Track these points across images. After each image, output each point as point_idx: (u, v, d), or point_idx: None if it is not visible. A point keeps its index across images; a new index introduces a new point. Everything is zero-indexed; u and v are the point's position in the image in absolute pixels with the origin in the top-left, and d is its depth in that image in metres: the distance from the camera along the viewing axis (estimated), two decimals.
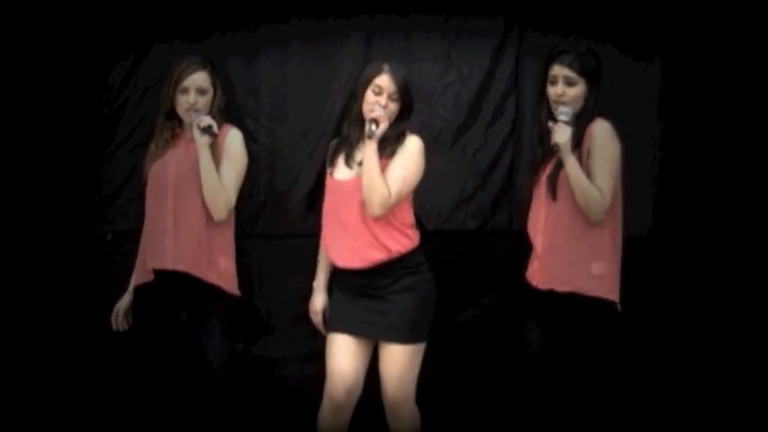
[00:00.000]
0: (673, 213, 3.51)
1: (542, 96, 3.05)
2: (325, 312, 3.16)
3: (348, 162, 3.02)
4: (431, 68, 3.50)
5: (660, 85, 3.51)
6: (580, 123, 2.96)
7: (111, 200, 3.49)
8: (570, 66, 2.95)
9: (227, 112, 3.17)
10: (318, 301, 3.18)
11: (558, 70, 2.97)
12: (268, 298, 3.52)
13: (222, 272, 3.06)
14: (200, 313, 3.02)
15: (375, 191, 2.89)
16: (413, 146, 2.99)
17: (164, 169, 3.04)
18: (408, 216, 3.03)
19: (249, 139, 3.46)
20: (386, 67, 2.99)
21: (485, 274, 3.49)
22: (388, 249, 2.96)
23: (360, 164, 2.97)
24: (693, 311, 3.48)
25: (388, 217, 2.95)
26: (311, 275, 3.41)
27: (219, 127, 3.05)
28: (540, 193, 3.03)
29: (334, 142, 3.16)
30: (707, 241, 3.48)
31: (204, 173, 2.98)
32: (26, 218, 3.43)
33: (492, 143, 3.50)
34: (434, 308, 3.05)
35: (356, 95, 3.03)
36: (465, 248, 3.50)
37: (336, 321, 3.06)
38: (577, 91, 2.97)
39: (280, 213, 3.51)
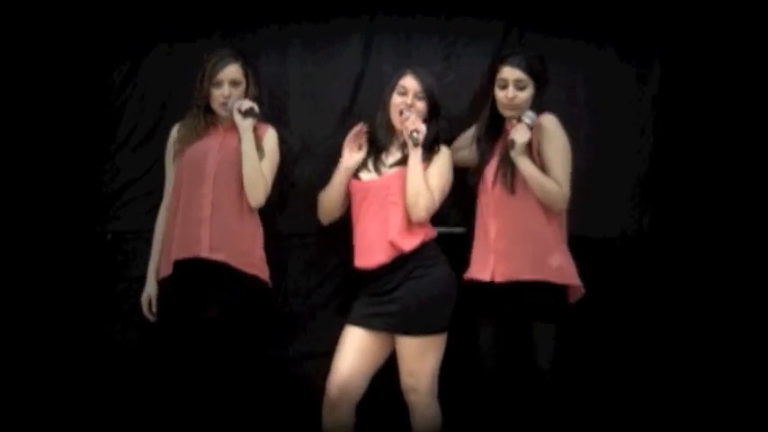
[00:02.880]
0: (671, 215, 3.52)
1: (488, 97, 3.12)
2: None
3: (376, 165, 3.12)
4: (431, 69, 3.48)
5: (658, 87, 3.52)
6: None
7: (112, 200, 3.48)
8: (521, 68, 3.01)
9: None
10: None
11: (509, 73, 3.03)
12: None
13: (259, 259, 3.09)
14: (236, 303, 3.01)
15: (422, 195, 2.99)
16: (446, 157, 3.12)
17: (203, 156, 3.04)
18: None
19: None
20: (409, 70, 3.14)
21: None
22: (401, 248, 3.03)
23: (389, 166, 3.08)
24: (685, 310, 3.49)
25: (399, 218, 3.04)
26: (312, 275, 3.43)
27: (258, 125, 3.08)
28: (486, 189, 3.08)
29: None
30: (703, 242, 3.49)
31: (246, 156, 2.99)
32: (27, 218, 3.42)
33: None
34: (453, 300, 3.09)
35: (384, 102, 3.14)
36: (465, 248, 3.49)
37: (353, 314, 3.11)
38: (528, 94, 3.03)
39: (280, 213, 3.51)
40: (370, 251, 3.06)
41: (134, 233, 3.43)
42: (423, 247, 3.07)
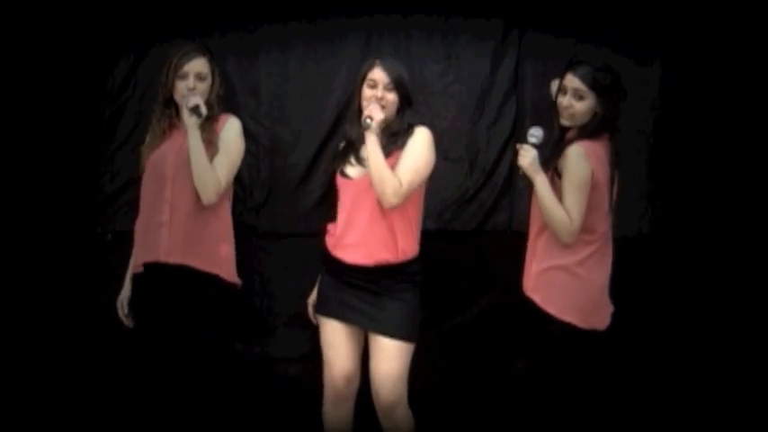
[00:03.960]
0: (671, 215, 3.52)
1: (554, 104, 3.00)
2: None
3: (359, 160, 3.04)
4: (431, 68, 3.51)
5: (659, 88, 3.52)
6: (576, 136, 2.91)
7: (112, 200, 3.49)
8: (582, 78, 2.90)
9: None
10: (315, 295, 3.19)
11: (570, 81, 2.92)
12: (268, 298, 3.53)
13: (222, 259, 3.05)
14: (198, 305, 3.00)
15: (385, 181, 2.90)
16: (422, 136, 3.01)
17: (162, 160, 3.02)
18: (419, 220, 3.07)
19: (249, 139, 3.47)
20: (377, 61, 3.04)
21: (485, 274, 3.49)
22: (396, 251, 2.97)
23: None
24: (686, 310, 3.49)
25: (402, 218, 2.98)
26: (311, 275, 3.42)
27: (218, 116, 3.06)
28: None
29: (341, 146, 3.17)
30: (703, 242, 3.49)
31: (192, 153, 2.95)
32: (26, 218, 3.43)
33: (493, 143, 3.50)
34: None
35: (354, 95, 3.07)
36: (465, 248, 3.50)
37: (329, 307, 3.04)
38: (586, 106, 2.92)
39: (280, 213, 3.51)
40: (361, 248, 2.98)
41: (134, 233, 3.43)
42: (413, 260, 3.02)
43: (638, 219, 3.49)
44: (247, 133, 3.46)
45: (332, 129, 3.43)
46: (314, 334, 3.44)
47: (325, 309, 3.06)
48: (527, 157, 2.89)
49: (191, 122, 2.95)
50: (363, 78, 3.04)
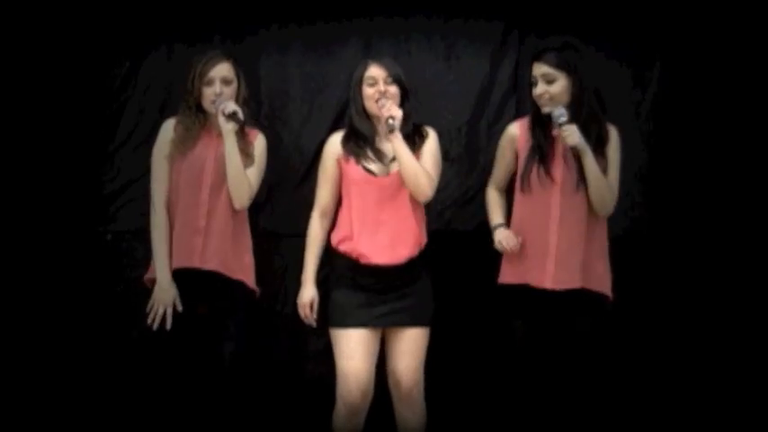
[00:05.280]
0: (671, 214, 3.51)
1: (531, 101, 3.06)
2: (312, 304, 3.16)
3: (380, 158, 3.08)
4: (431, 69, 3.51)
5: (658, 88, 3.52)
6: (586, 116, 2.96)
7: (112, 200, 3.49)
8: (547, 62, 2.95)
9: None
10: (308, 293, 3.16)
11: (536, 69, 2.98)
12: (268, 298, 3.51)
13: (246, 267, 3.12)
14: (223, 307, 3.05)
15: (420, 176, 3.00)
16: (434, 139, 3.15)
17: (199, 166, 3.04)
18: (424, 212, 3.17)
19: None
20: (371, 60, 3.13)
21: (485, 274, 3.48)
22: (418, 244, 3.08)
23: (392, 159, 3.05)
24: (685, 308, 3.49)
25: (416, 213, 3.08)
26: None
27: (249, 129, 3.11)
28: (553, 189, 3.00)
29: (340, 137, 3.17)
30: (703, 240, 3.49)
31: (229, 158, 2.99)
32: (27, 218, 3.43)
33: (493, 143, 3.48)
34: None
35: (354, 98, 3.11)
36: (465, 248, 3.50)
37: (351, 318, 3.05)
38: (559, 87, 2.96)
39: (280, 213, 3.51)
40: (394, 248, 3.03)
41: (134, 233, 3.44)
42: (424, 248, 3.13)
43: (636, 218, 3.49)
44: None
45: (332, 129, 3.43)
46: (314, 334, 3.46)
47: (344, 321, 3.06)
48: (573, 134, 2.91)
49: (228, 128, 2.98)
50: (360, 80, 3.08)
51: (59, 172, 3.44)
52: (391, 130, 2.96)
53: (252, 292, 3.15)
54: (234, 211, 3.06)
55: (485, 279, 3.46)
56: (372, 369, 3.05)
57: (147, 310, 3.01)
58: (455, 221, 3.51)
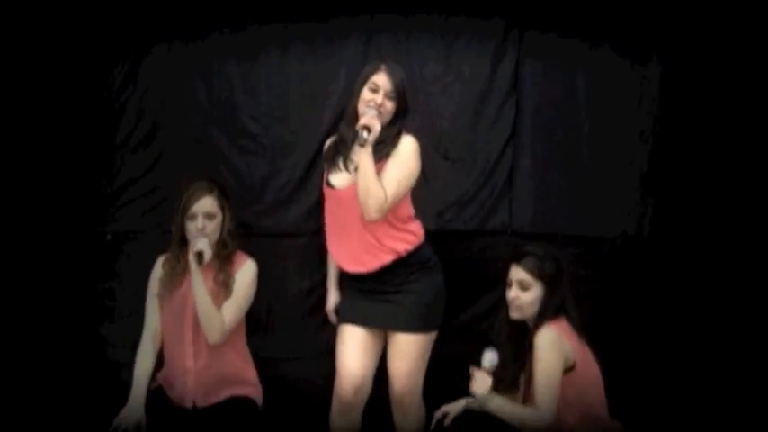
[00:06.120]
0: (671, 214, 3.51)
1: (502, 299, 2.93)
2: (337, 310, 3.20)
3: (346, 164, 3.03)
4: (431, 69, 3.50)
5: (658, 87, 3.51)
6: (535, 325, 2.81)
7: (112, 200, 3.49)
8: (526, 269, 2.84)
9: (226, 116, 3.18)
10: (331, 299, 3.24)
11: (514, 273, 2.87)
12: (268, 298, 3.52)
13: (248, 382, 3.09)
14: (225, 418, 2.98)
15: (371, 196, 2.88)
16: (407, 147, 2.99)
17: (182, 304, 3.01)
18: (407, 211, 3.06)
19: (249, 139, 3.49)
20: (383, 66, 3.01)
21: (485, 274, 3.49)
22: (395, 251, 2.99)
23: (356, 168, 2.95)
24: (685, 310, 3.48)
25: (387, 218, 2.97)
26: (311, 275, 3.43)
27: (234, 256, 3.06)
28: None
29: (329, 142, 3.18)
30: (703, 241, 3.49)
31: (197, 296, 2.94)
32: (27, 218, 3.43)
33: (493, 143, 3.50)
34: (445, 299, 3.10)
35: (353, 93, 3.05)
36: (465, 248, 3.50)
37: (346, 313, 3.09)
38: (532, 296, 2.84)
39: (280, 213, 3.51)
40: (360, 258, 2.99)
41: (134, 233, 3.45)
42: (419, 248, 3.04)
43: (636, 219, 3.49)
44: (247, 133, 3.48)
45: (332, 129, 3.42)
46: (314, 334, 3.47)
47: (341, 317, 3.10)
48: (483, 384, 2.79)
49: (193, 267, 2.93)
50: (365, 80, 3.01)
51: (59, 172, 3.44)
52: (362, 144, 2.87)
53: (256, 406, 3.07)
54: (230, 338, 3.01)
55: (485, 279, 3.48)
56: (368, 368, 3.04)
57: (115, 420, 2.92)
58: (455, 221, 3.50)
